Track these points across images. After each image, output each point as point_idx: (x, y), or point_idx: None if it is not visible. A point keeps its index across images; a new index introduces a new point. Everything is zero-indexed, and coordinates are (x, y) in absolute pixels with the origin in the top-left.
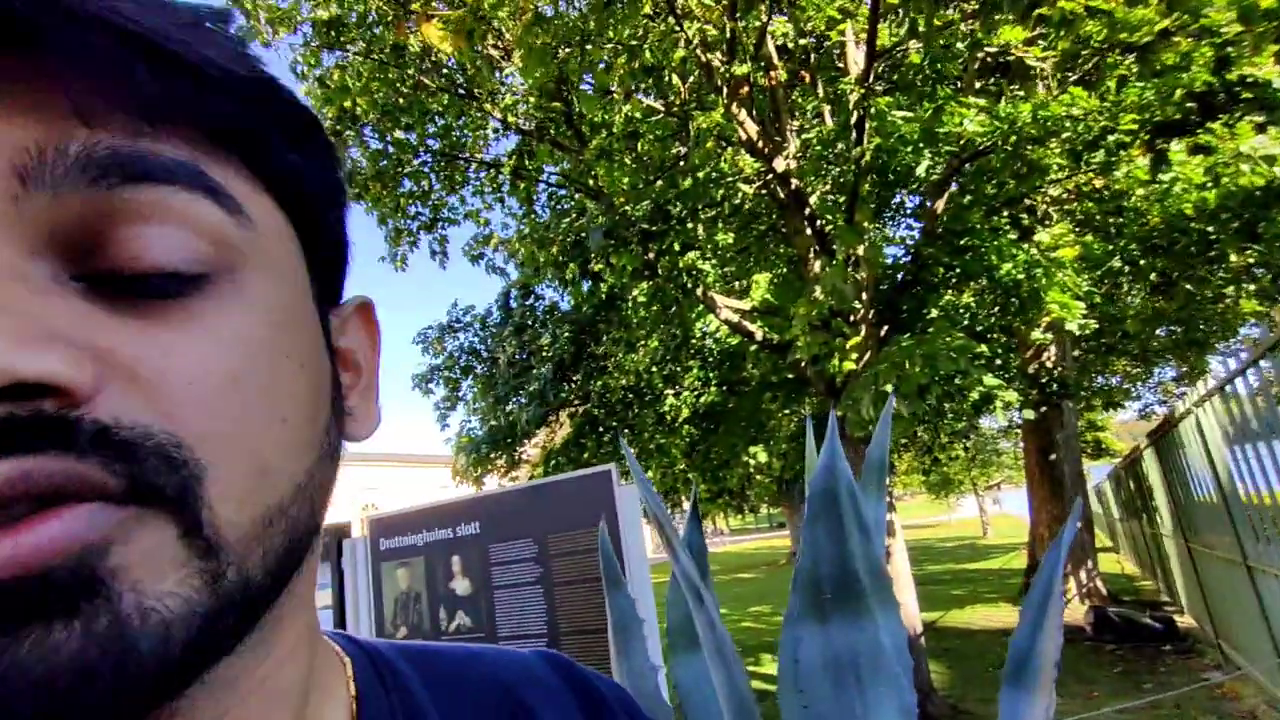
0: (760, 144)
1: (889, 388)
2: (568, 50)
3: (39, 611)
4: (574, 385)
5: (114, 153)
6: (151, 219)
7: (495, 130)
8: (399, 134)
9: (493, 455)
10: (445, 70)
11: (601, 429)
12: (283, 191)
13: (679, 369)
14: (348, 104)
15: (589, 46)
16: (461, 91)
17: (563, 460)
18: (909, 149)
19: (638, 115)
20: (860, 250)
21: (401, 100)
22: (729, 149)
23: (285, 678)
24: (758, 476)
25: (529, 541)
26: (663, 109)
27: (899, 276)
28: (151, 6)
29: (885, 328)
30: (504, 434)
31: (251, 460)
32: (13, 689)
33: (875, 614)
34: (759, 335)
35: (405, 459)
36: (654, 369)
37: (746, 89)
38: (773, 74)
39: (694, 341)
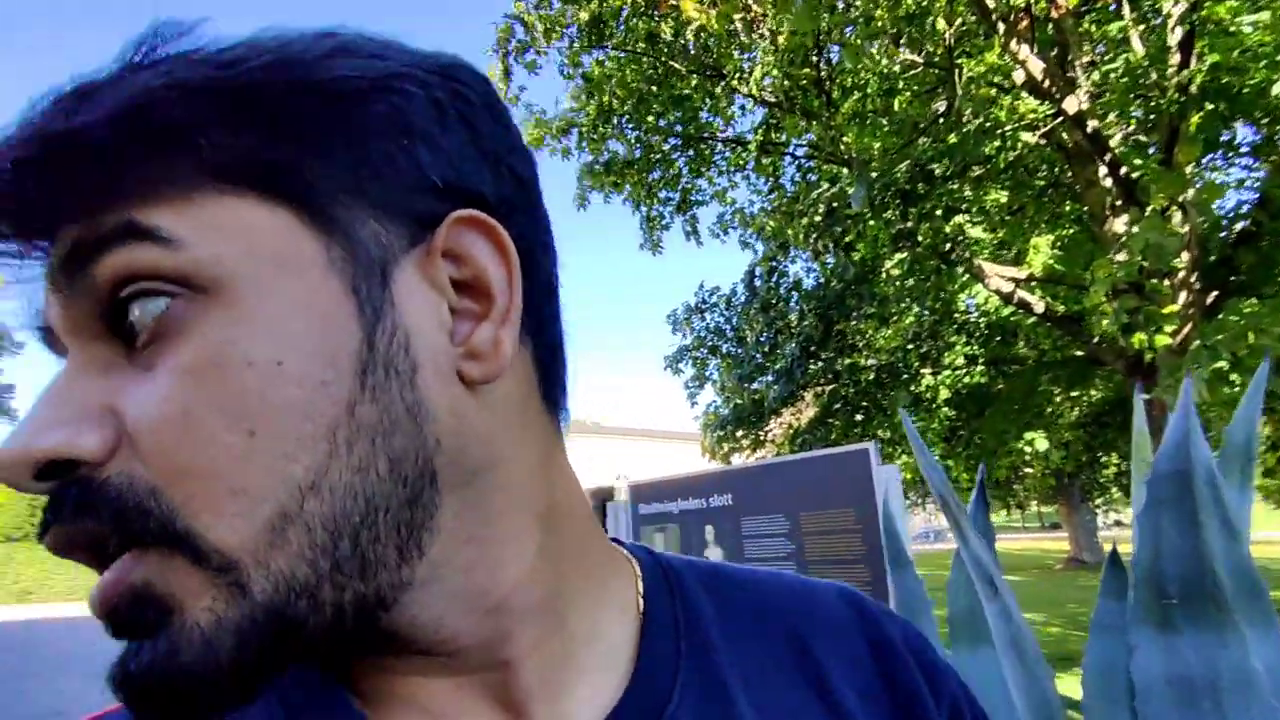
0: (1046, 84)
1: (1222, 363)
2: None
3: (131, 634)
4: (821, 364)
5: (73, 252)
6: (126, 271)
7: (741, 108)
8: (650, 119)
9: (738, 434)
10: (693, 52)
11: (851, 408)
12: (262, 183)
13: (938, 346)
14: (605, 99)
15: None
16: (709, 71)
17: (809, 439)
18: (1261, 64)
19: (895, 70)
20: (1187, 195)
21: (654, 88)
22: (1005, 95)
23: (519, 599)
24: (1028, 470)
25: (781, 518)
26: (922, 62)
27: (1237, 227)
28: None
29: (1215, 292)
30: (749, 412)
31: (220, 483)
32: (133, 690)
33: (1242, 628)
34: (1039, 307)
35: (662, 435)
36: (909, 347)
37: (1026, 22)
38: (1058, 1)
39: (957, 315)
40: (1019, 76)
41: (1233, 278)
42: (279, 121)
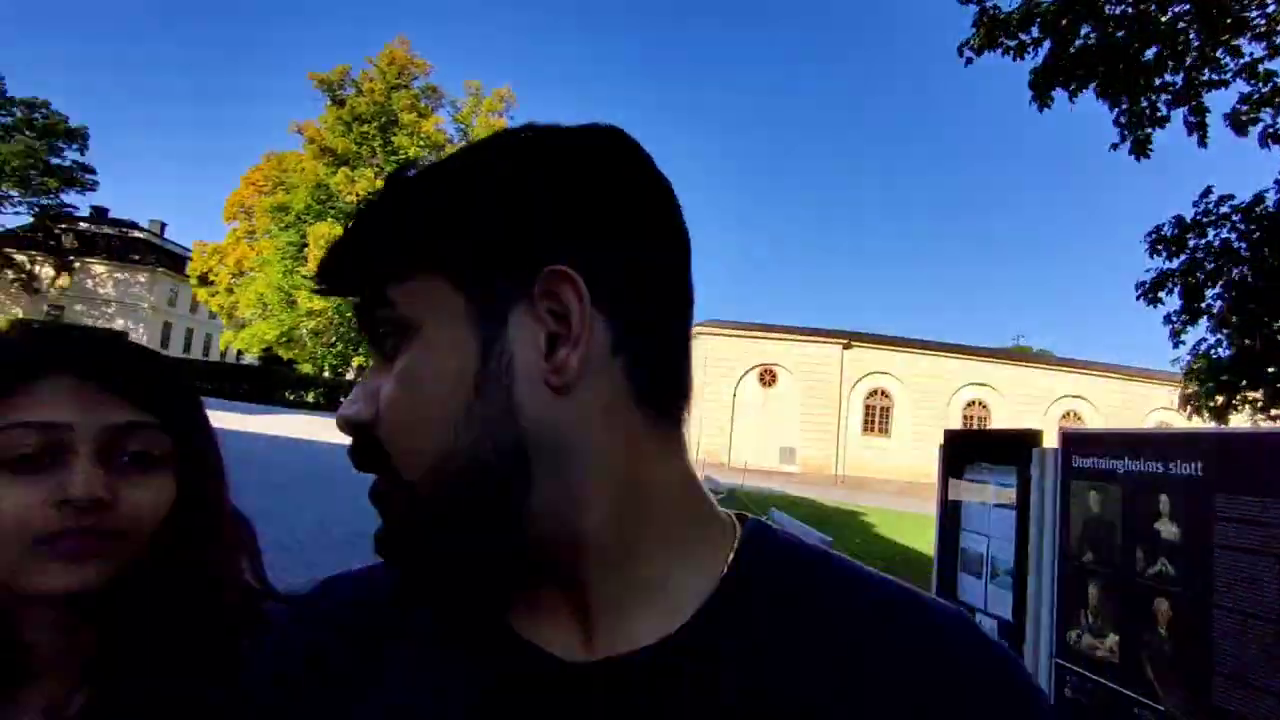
0: None
1: None
2: None
3: (379, 514)
4: None
5: (358, 307)
6: (376, 319)
7: None
8: None
9: (1243, 384)
10: None
11: None
12: (437, 263)
13: None
14: None
15: None
16: None
17: None
18: None
19: None
20: None
21: None
22: None
23: (601, 539)
24: None
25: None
26: None
27: None
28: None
29: None
30: (1260, 361)
31: (409, 441)
32: (377, 544)
33: None
34: None
35: (1120, 371)
36: None
37: None
38: None
39: None
40: None
41: None
42: (443, 224)
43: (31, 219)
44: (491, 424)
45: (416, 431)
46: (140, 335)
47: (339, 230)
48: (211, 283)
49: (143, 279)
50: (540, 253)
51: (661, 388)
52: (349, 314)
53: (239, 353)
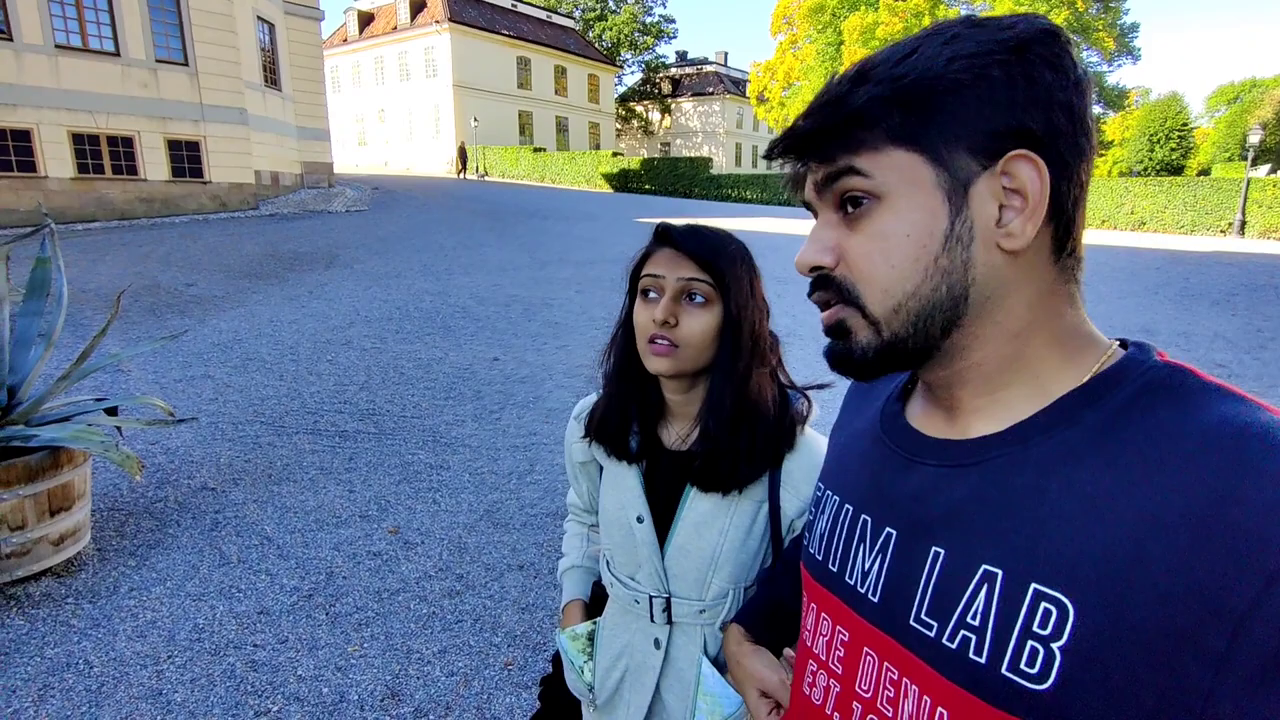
0: None
1: None
2: None
3: (833, 336)
4: None
5: (824, 176)
6: (844, 189)
7: None
8: None
9: None
10: None
11: None
12: (913, 140)
13: None
14: None
15: None
16: None
17: None
18: None
19: None
20: None
21: None
22: None
23: (1000, 359)
24: None
25: None
26: None
27: None
28: (811, 117)
29: None
30: None
31: (877, 286)
32: (833, 359)
33: None
34: None
35: None
36: None
37: None
38: None
39: None
40: None
41: None
42: (917, 105)
43: (641, 74)
44: (950, 275)
45: (887, 278)
46: (720, 156)
47: (872, 19)
48: (766, 100)
49: (716, 107)
50: (1004, 136)
51: (1069, 241)
52: None
53: None
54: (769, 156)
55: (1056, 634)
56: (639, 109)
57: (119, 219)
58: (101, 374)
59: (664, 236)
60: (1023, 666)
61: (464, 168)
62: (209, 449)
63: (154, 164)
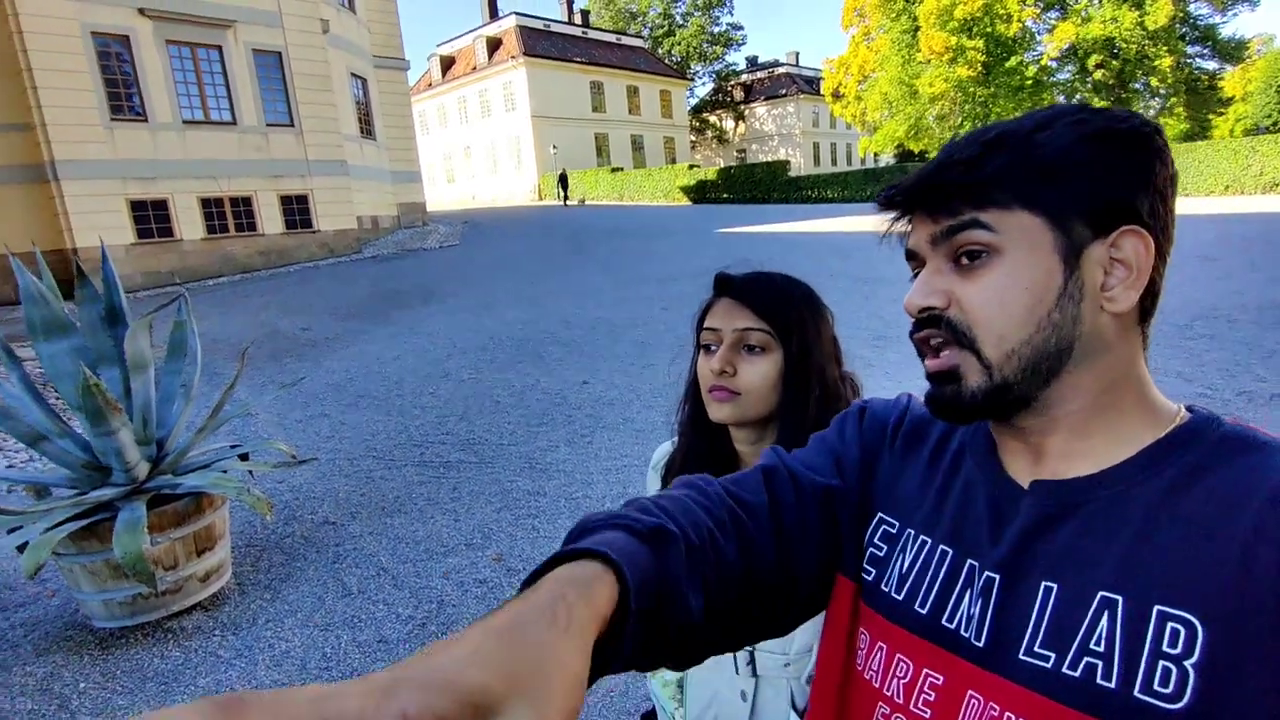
0: None
1: None
2: None
3: (940, 381)
4: None
5: (947, 227)
6: (965, 241)
7: None
8: None
9: None
10: None
11: None
12: (1038, 205)
13: None
14: None
15: None
16: None
17: None
18: None
19: None
20: None
21: None
22: None
23: (1093, 409)
24: None
25: None
26: None
27: None
28: (948, 169)
29: None
30: None
31: (993, 332)
32: (938, 404)
33: None
34: None
35: None
36: None
37: None
38: None
39: None
40: None
41: None
42: (1047, 175)
43: (713, 84)
44: (1061, 328)
45: (1005, 324)
46: (797, 158)
47: (948, 0)
48: (841, 95)
49: (790, 109)
50: (1116, 212)
51: (1151, 308)
52: (971, 91)
53: (875, 155)
54: (887, 204)
55: (1188, 651)
56: (712, 119)
57: (241, 272)
58: (234, 421)
59: (722, 287)
60: (1155, 687)
61: (566, 195)
62: (328, 484)
63: (270, 219)
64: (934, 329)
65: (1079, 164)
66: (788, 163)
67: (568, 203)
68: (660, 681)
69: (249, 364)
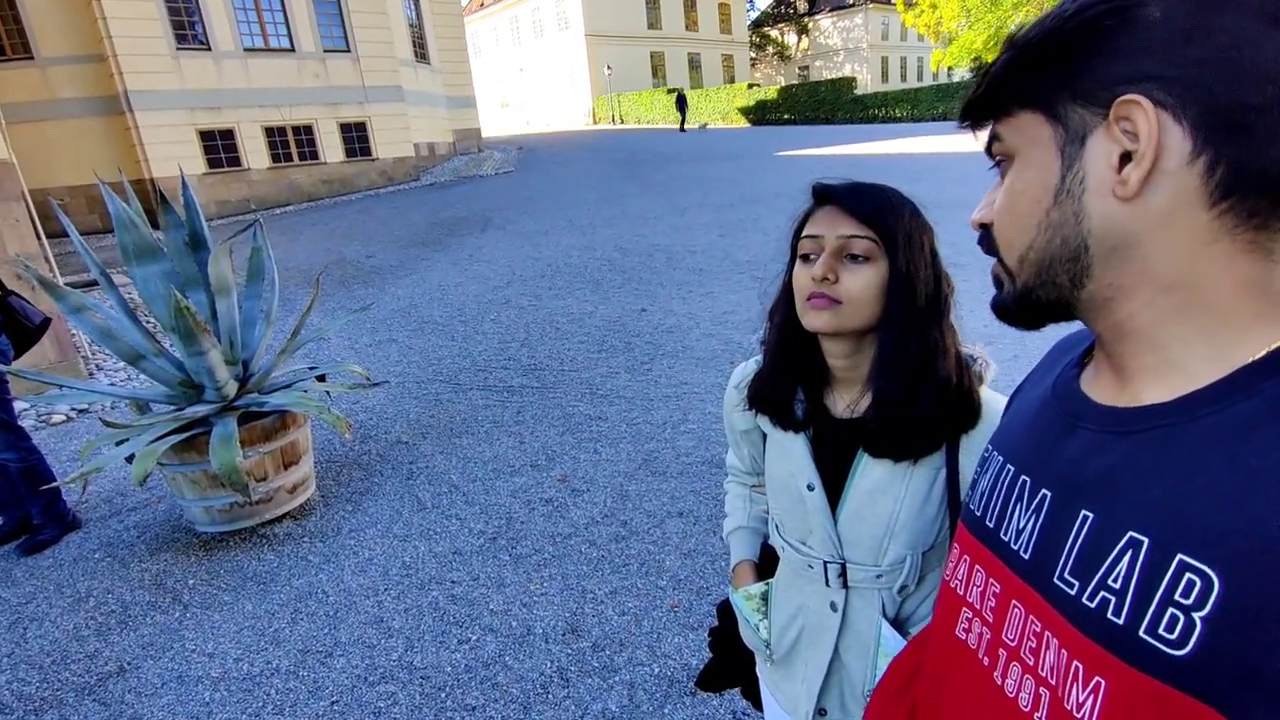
0: None
1: None
2: None
3: (997, 289)
4: None
5: (987, 141)
6: (995, 152)
7: None
8: None
9: None
10: None
11: None
12: (1032, 99)
13: None
14: None
15: None
16: None
17: None
18: None
19: None
20: None
21: None
22: None
23: (1154, 317)
24: None
25: None
26: None
27: None
28: (980, 84)
29: None
30: None
31: (1004, 238)
32: (997, 309)
33: None
34: None
35: None
36: None
37: None
38: None
39: None
40: None
41: None
42: (1035, 64)
43: None
44: (1062, 227)
45: (1013, 232)
46: (864, 74)
47: None
48: (914, 4)
49: (858, 20)
50: (1115, 82)
51: (1245, 186)
52: None
53: (949, 70)
54: (962, 125)
55: (1199, 604)
56: (773, 34)
57: (307, 200)
58: (309, 344)
59: (823, 196)
60: (1161, 631)
61: (685, 120)
62: (399, 406)
63: (331, 147)
64: (985, 244)
65: (1066, 42)
66: (854, 80)
67: (685, 128)
68: (744, 595)
69: (318, 291)
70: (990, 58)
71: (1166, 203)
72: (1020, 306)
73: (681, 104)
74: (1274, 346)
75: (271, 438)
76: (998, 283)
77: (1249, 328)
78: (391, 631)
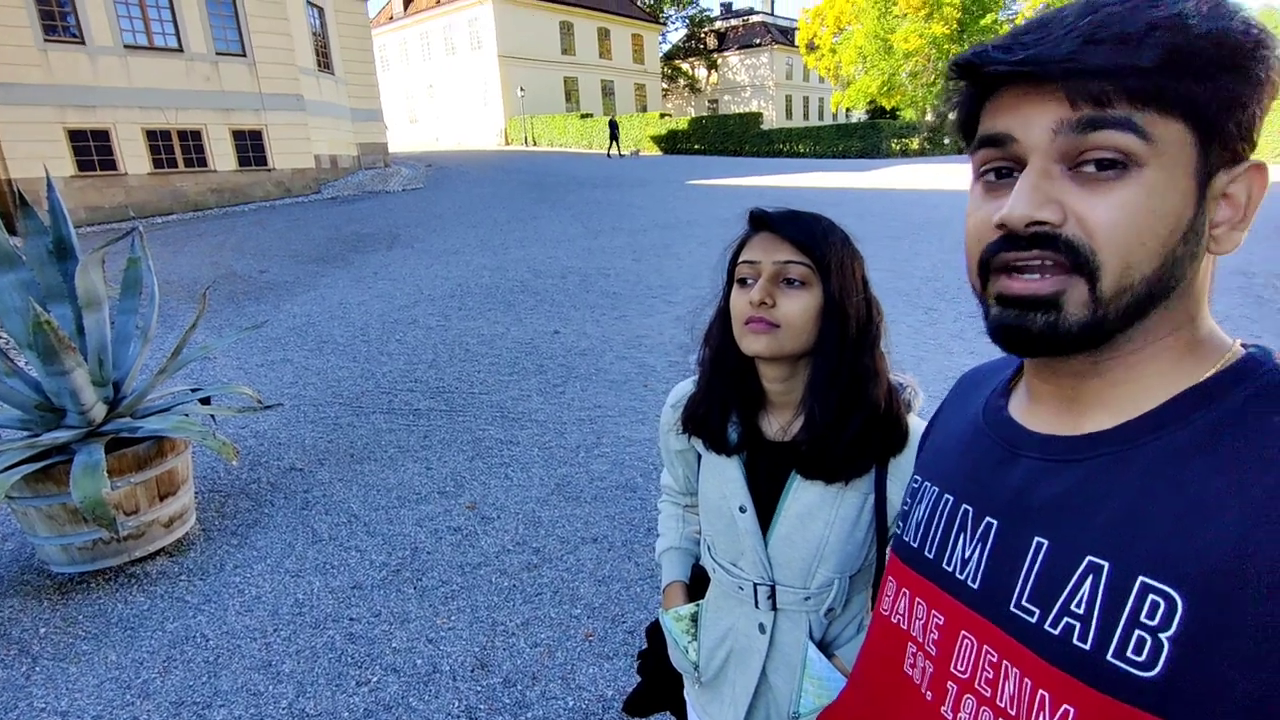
0: None
1: None
2: None
3: (1023, 308)
4: None
5: (1088, 118)
6: (1102, 144)
7: None
8: None
9: None
10: None
11: None
12: (1192, 113)
13: None
14: None
15: None
16: None
17: None
18: None
19: None
20: None
21: None
22: None
23: (1147, 353)
24: None
25: None
26: None
27: None
28: (1103, 45)
29: None
30: None
31: (1123, 260)
32: (1022, 336)
33: None
34: None
35: None
36: None
37: None
38: None
39: None
40: None
41: None
42: (1195, 69)
43: (686, 30)
44: (1178, 266)
45: (1136, 255)
46: (769, 110)
47: None
48: (816, 48)
49: (764, 59)
50: (1250, 132)
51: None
52: (946, 48)
53: (847, 111)
54: (992, 58)
55: (1165, 624)
56: (685, 66)
57: (193, 210)
58: (193, 364)
59: (759, 222)
60: (1129, 654)
61: (617, 145)
62: (294, 431)
63: (222, 155)
64: (1048, 250)
65: (1224, 62)
66: (760, 115)
67: (616, 154)
68: (674, 616)
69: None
70: (885, 102)
71: (1213, 260)
72: (1084, 333)
73: (614, 130)
74: (1214, 371)
75: (145, 466)
76: (1048, 306)
77: (1185, 362)
78: (281, 676)
